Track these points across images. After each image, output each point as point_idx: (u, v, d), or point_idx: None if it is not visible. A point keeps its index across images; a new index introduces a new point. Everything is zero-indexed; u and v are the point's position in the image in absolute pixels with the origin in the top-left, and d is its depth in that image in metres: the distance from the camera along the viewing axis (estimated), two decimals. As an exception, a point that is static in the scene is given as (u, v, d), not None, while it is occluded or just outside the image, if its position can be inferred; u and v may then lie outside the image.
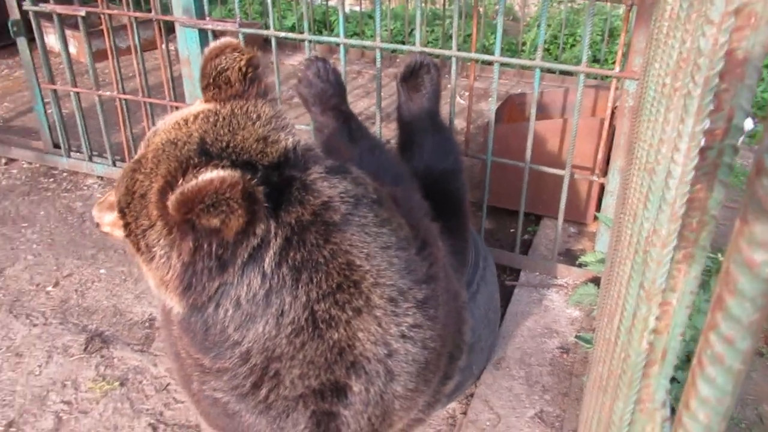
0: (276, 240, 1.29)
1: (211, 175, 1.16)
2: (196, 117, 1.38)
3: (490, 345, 2.46)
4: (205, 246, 1.25)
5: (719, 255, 2.48)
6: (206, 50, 1.47)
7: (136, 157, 1.39)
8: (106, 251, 3.09)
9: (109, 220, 1.49)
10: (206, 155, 1.29)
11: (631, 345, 0.81)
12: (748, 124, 2.69)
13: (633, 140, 2.04)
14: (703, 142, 0.58)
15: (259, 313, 1.33)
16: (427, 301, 1.49)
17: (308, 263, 1.31)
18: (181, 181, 1.20)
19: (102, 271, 2.96)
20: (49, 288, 2.84)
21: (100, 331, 2.60)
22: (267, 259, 1.29)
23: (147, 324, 2.65)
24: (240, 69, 1.43)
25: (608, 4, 5.53)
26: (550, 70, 5.14)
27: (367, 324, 1.38)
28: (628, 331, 0.90)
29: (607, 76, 2.69)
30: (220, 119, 1.36)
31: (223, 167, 1.22)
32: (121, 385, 2.35)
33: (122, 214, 1.35)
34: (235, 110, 1.39)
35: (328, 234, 1.33)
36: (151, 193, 1.28)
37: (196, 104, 1.48)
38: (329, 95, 2.22)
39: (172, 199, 1.18)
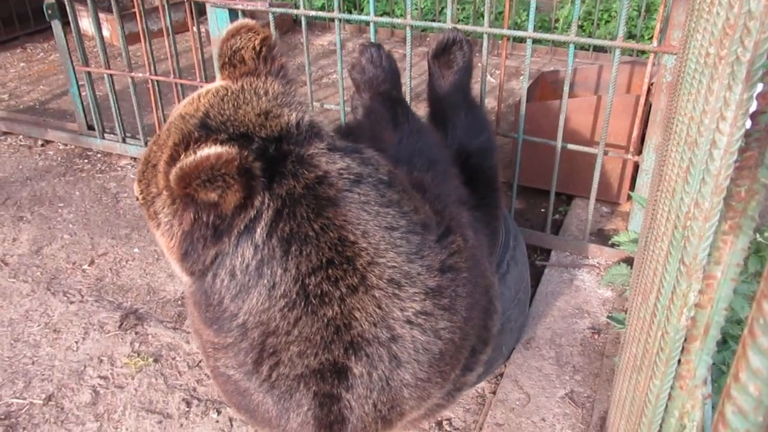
0: (267, 212, 1.31)
1: (208, 151, 1.19)
2: (207, 93, 1.43)
3: (520, 325, 2.45)
4: (204, 217, 1.29)
5: (759, 236, 2.41)
6: (223, 31, 1.50)
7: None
8: (140, 231, 3.13)
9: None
10: (206, 129, 1.33)
11: (669, 322, 0.79)
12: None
13: (671, 116, 1.98)
14: (755, 106, 0.56)
15: (252, 284, 1.34)
16: (441, 290, 1.46)
17: (297, 236, 1.32)
18: (183, 155, 1.24)
19: (135, 250, 3.01)
20: (85, 266, 2.90)
21: (135, 309, 2.65)
22: (258, 231, 1.32)
23: (179, 302, 2.69)
24: (254, 48, 1.45)
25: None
26: (584, 47, 5.04)
27: (365, 304, 1.37)
28: (667, 308, 0.88)
29: (644, 52, 2.61)
30: (228, 94, 1.40)
31: (221, 142, 1.27)
32: (155, 361, 2.39)
33: (139, 181, 1.43)
34: (245, 86, 1.42)
35: (320, 208, 1.33)
36: (160, 164, 1.32)
37: (215, 82, 1.50)
38: (380, 81, 2.23)
39: (172, 173, 1.22)
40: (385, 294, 1.39)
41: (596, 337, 2.49)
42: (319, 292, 1.35)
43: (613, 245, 2.82)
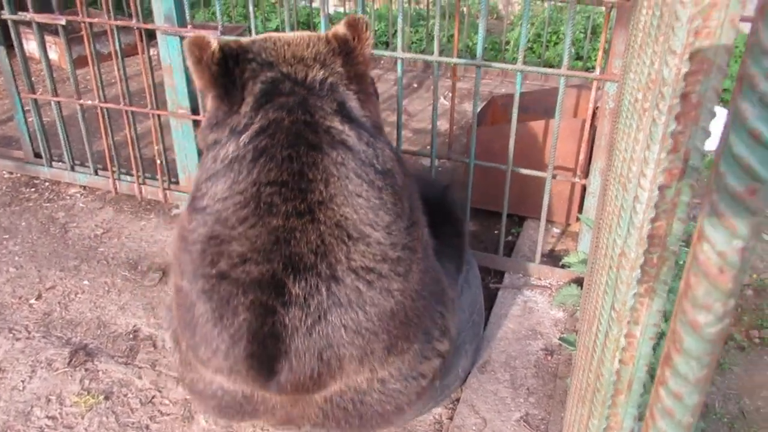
0: (255, 125, 1.64)
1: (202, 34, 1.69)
2: (302, 34, 1.80)
3: (475, 348, 2.47)
4: (214, 106, 1.74)
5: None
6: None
7: None
8: (89, 262, 3.06)
9: None
10: (248, 49, 1.73)
11: (604, 364, 0.81)
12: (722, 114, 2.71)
13: (612, 142, 2.05)
14: (661, 180, 0.59)
15: (222, 173, 1.62)
16: (400, 261, 1.66)
17: (268, 152, 1.60)
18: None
19: (85, 282, 2.94)
20: (32, 301, 2.82)
21: (84, 344, 2.58)
22: (244, 135, 1.63)
23: (131, 336, 2.63)
24: (355, 27, 1.76)
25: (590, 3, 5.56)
26: (536, 59, 5.17)
27: (307, 231, 1.57)
28: (603, 348, 0.91)
29: (592, 65, 2.70)
30: (297, 38, 1.76)
31: (247, 61, 1.70)
32: (106, 398, 2.33)
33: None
34: (308, 38, 1.76)
35: (295, 143, 1.61)
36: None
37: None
38: None
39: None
40: (331, 234, 1.57)
41: (549, 358, 2.53)
42: (269, 200, 1.57)
43: (563, 266, 2.89)
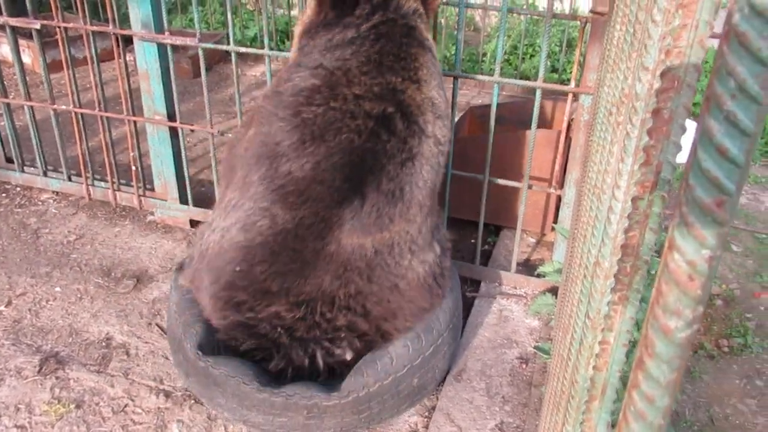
0: (373, 21, 2.07)
1: None
2: None
3: (453, 352, 2.49)
4: (323, 11, 2.19)
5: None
6: None
7: None
8: (62, 268, 3.02)
9: None
10: None
11: (578, 371, 0.83)
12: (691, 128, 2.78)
13: (587, 154, 2.09)
14: (635, 192, 0.61)
15: (340, 47, 2.05)
16: (445, 150, 2.19)
17: (387, 36, 2.05)
18: None
19: (57, 289, 2.90)
20: (1, 308, 2.77)
21: (55, 352, 2.54)
22: (364, 26, 2.06)
23: (104, 343, 2.60)
24: None
25: (568, 11, 5.66)
26: (512, 71, 5.23)
27: (414, 94, 2.02)
28: (577, 355, 0.92)
29: (567, 78, 2.75)
30: None
31: None
32: (77, 407, 2.30)
33: None
34: None
35: (409, 37, 2.12)
36: None
37: None
38: None
39: None
40: (426, 101, 2.06)
41: (524, 366, 2.56)
42: (389, 65, 2.02)
43: (539, 275, 2.92)
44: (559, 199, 3.04)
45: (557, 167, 2.87)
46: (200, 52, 2.96)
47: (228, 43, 2.91)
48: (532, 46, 5.93)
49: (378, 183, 1.92)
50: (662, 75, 0.53)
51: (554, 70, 5.53)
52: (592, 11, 2.39)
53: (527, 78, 5.59)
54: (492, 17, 6.58)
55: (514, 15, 6.23)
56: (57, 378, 2.42)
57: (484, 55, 5.87)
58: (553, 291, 2.86)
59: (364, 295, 2.00)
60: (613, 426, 0.74)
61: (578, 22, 2.52)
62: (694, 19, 0.51)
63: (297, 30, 2.34)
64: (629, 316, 0.63)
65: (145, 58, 3.03)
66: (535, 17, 6.21)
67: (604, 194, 0.88)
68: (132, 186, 3.40)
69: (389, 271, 2.02)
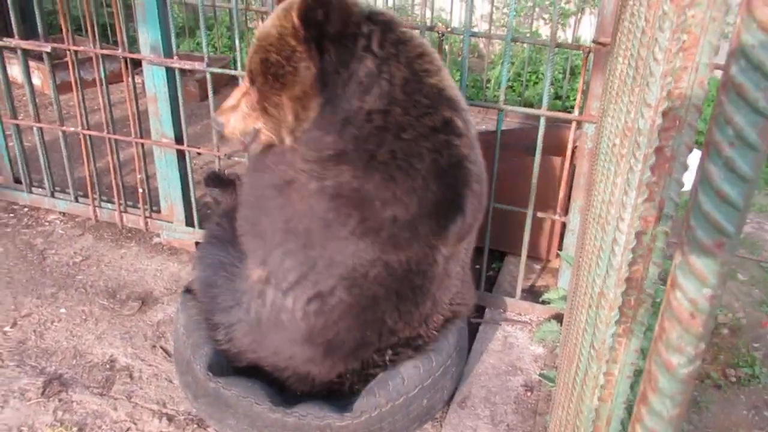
0: (378, 30, 1.87)
1: None
2: None
3: (459, 374, 2.48)
4: (330, 52, 1.84)
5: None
6: None
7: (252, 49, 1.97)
8: (67, 290, 3.03)
9: (234, 116, 2.06)
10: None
11: (583, 401, 0.83)
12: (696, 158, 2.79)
13: (591, 182, 2.10)
14: (638, 226, 0.62)
15: (375, 81, 1.86)
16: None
17: (402, 39, 1.92)
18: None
19: (62, 310, 2.90)
20: (6, 328, 2.77)
21: (59, 374, 2.54)
22: (374, 43, 1.87)
23: (108, 366, 2.59)
24: None
25: (570, 40, 5.72)
26: (516, 98, 5.28)
27: (449, 81, 2.02)
28: (582, 385, 0.93)
29: (571, 106, 2.77)
30: None
31: None
32: (80, 430, 2.29)
33: (263, 62, 1.90)
34: None
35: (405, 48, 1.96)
36: (287, 24, 1.85)
37: None
38: None
39: (295, 7, 1.80)
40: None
41: (529, 394, 2.54)
42: (422, 68, 1.93)
43: (543, 302, 2.91)
44: (563, 225, 3.05)
45: (562, 194, 2.88)
46: (208, 76, 3.00)
47: (235, 68, 2.95)
48: (535, 74, 5.99)
49: (472, 190, 2.00)
50: (664, 114, 0.55)
51: (558, 97, 5.57)
52: (594, 41, 2.42)
53: (531, 105, 5.64)
54: (495, 44, 6.65)
55: (518, 43, 6.31)
56: (60, 400, 2.42)
57: (488, 81, 5.93)
58: (558, 318, 2.85)
59: (456, 293, 2.30)
60: (617, 457, 0.74)
61: (581, 51, 2.55)
62: (694, 62, 0.52)
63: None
64: (633, 348, 0.63)
65: (153, 81, 3.07)
66: (539, 45, 6.29)
67: (609, 225, 0.89)
68: (138, 208, 3.42)
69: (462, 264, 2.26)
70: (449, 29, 2.78)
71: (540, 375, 2.54)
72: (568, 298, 2.53)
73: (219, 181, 2.67)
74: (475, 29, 6.36)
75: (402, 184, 1.86)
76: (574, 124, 2.68)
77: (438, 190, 1.90)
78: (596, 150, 2.21)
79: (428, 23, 2.85)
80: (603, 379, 0.77)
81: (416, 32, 2.14)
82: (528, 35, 5.94)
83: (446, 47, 5.74)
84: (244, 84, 2.06)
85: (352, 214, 1.89)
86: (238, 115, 2.04)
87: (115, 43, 4.97)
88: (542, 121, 2.63)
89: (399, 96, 1.89)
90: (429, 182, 1.88)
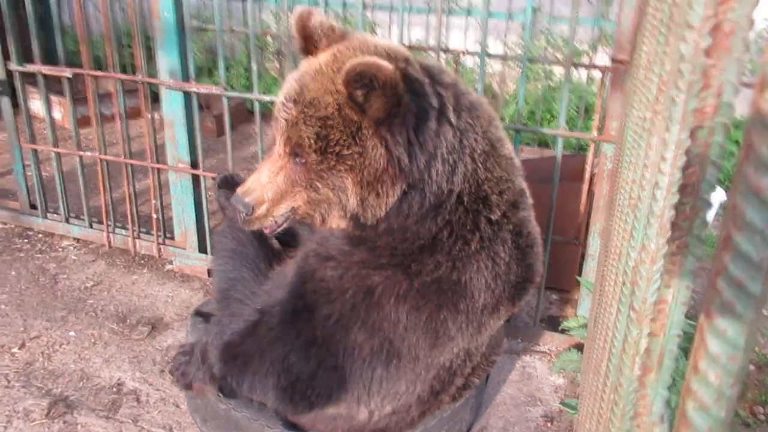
0: (449, 97, 1.64)
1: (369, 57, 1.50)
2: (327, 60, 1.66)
3: (478, 403, 2.38)
4: (399, 128, 1.56)
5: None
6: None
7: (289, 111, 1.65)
8: (77, 313, 2.98)
9: (266, 193, 1.72)
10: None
11: (622, 374, 0.77)
12: (720, 196, 2.72)
13: (613, 197, 2.06)
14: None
15: (459, 158, 1.65)
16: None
17: (473, 104, 1.71)
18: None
19: (71, 333, 2.85)
20: (15, 350, 2.72)
21: (65, 396, 2.47)
22: (450, 113, 1.62)
23: (114, 389, 2.52)
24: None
25: (584, 80, 5.74)
26: (528, 143, 5.27)
27: (510, 147, 1.84)
28: (618, 366, 0.86)
29: (585, 143, 2.75)
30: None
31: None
32: (83, 452, 2.21)
33: (320, 138, 1.59)
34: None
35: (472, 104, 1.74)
36: (344, 91, 1.54)
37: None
38: None
39: (339, 78, 1.51)
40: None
41: (549, 425, 2.43)
42: (495, 137, 1.76)
43: (563, 331, 2.82)
44: (582, 255, 2.98)
45: (580, 219, 2.83)
46: (225, 101, 3.02)
47: (251, 104, 2.96)
48: (549, 112, 6.01)
49: (542, 262, 1.99)
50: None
51: (573, 134, 5.56)
52: (613, 59, 2.41)
53: (545, 143, 5.64)
54: (509, 84, 6.71)
55: (531, 81, 6.35)
56: (65, 422, 2.34)
57: (502, 119, 5.94)
58: (579, 347, 2.75)
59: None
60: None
61: (595, 88, 2.54)
62: (716, 107, 0.50)
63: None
64: (689, 267, 0.57)
65: (171, 106, 3.09)
66: (552, 84, 6.33)
67: (644, 191, 0.85)
68: (152, 234, 3.40)
69: None
70: (465, 52, 2.79)
71: (562, 404, 2.44)
72: (589, 323, 2.45)
73: (233, 185, 2.50)
74: (489, 69, 6.43)
75: (491, 271, 1.72)
76: (592, 148, 2.65)
77: (518, 271, 1.78)
78: (617, 167, 2.17)
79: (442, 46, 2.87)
80: (645, 341, 0.71)
81: (476, 93, 1.86)
82: (542, 74, 5.99)
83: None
84: (276, 156, 1.72)
85: (457, 307, 1.73)
86: (272, 193, 1.71)
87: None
88: (559, 142, 2.60)
89: (482, 173, 1.70)
90: (511, 266, 1.76)
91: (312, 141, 1.59)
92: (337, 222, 1.74)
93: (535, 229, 1.87)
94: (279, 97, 1.71)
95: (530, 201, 1.90)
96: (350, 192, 1.63)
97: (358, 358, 1.79)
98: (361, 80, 1.47)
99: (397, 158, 1.57)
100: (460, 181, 1.66)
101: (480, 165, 1.70)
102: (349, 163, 1.59)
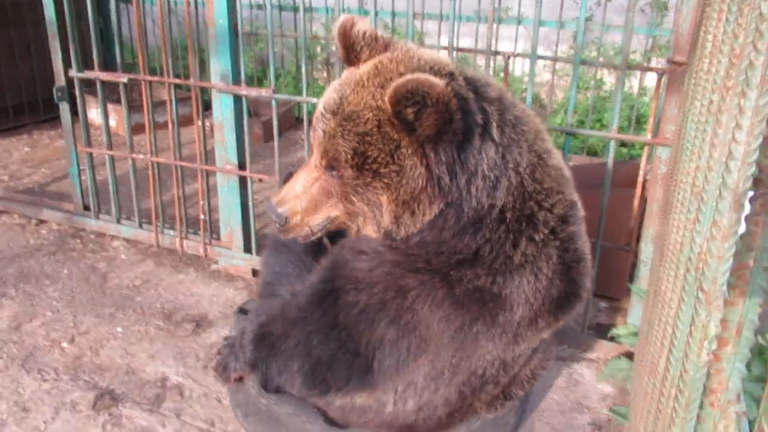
0: (493, 112, 1.60)
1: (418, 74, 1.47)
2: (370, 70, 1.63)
3: (522, 410, 2.32)
4: (441, 148, 1.52)
5: (761, 338, 2.33)
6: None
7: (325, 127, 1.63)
8: (125, 310, 3.04)
9: (301, 203, 1.71)
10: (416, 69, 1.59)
11: (689, 359, 0.73)
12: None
13: (668, 202, 1.98)
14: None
15: (501, 173, 1.61)
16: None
17: (518, 119, 1.67)
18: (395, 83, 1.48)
19: (119, 329, 2.90)
20: (65, 344, 2.78)
21: (111, 389, 2.51)
22: (493, 130, 1.59)
23: (159, 384, 2.55)
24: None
25: (635, 90, 5.62)
26: (576, 152, 5.18)
27: (559, 158, 1.80)
28: (682, 356, 0.82)
29: (639, 147, 2.67)
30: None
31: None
32: (128, 444, 2.23)
33: (357, 154, 1.56)
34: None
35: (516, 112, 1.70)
36: (385, 108, 1.52)
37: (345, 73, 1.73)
38: None
39: (387, 95, 1.48)
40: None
41: (598, 434, 2.35)
42: (542, 149, 1.72)
43: (612, 339, 2.74)
44: (633, 265, 2.89)
45: (633, 225, 2.75)
46: (273, 104, 3.05)
47: (299, 111, 2.99)
48: (599, 121, 5.89)
49: (589, 277, 1.90)
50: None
51: (623, 144, 5.44)
52: (669, 61, 2.34)
53: (595, 153, 5.52)
54: (558, 94, 6.62)
55: (581, 91, 6.25)
56: (110, 414, 2.38)
57: (551, 130, 5.85)
58: (629, 356, 2.66)
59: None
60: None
61: (647, 98, 2.47)
62: None
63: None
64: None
65: (221, 109, 3.14)
66: (602, 94, 6.22)
67: (712, 171, 0.80)
68: (199, 235, 3.45)
69: None
70: (515, 53, 2.75)
71: (611, 411, 2.35)
72: (641, 331, 2.37)
73: None
74: (537, 79, 6.36)
75: (532, 286, 1.68)
76: (645, 152, 2.58)
77: (561, 286, 1.73)
78: (673, 171, 2.10)
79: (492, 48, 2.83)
80: (714, 328, 0.67)
81: (522, 104, 1.82)
82: (592, 83, 5.89)
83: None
84: (312, 167, 1.71)
85: (494, 319, 1.70)
86: (306, 203, 1.71)
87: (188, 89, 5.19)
88: (611, 145, 2.54)
89: (529, 185, 1.66)
90: (554, 281, 1.71)
91: (349, 156, 1.58)
92: (370, 233, 1.74)
93: (584, 244, 1.81)
94: (319, 107, 1.69)
95: (582, 213, 1.84)
96: (385, 209, 1.62)
97: (381, 350, 1.78)
98: (413, 98, 1.45)
99: (438, 177, 1.55)
100: (503, 195, 1.63)
101: (527, 177, 1.66)
102: (386, 181, 1.57)
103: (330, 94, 1.66)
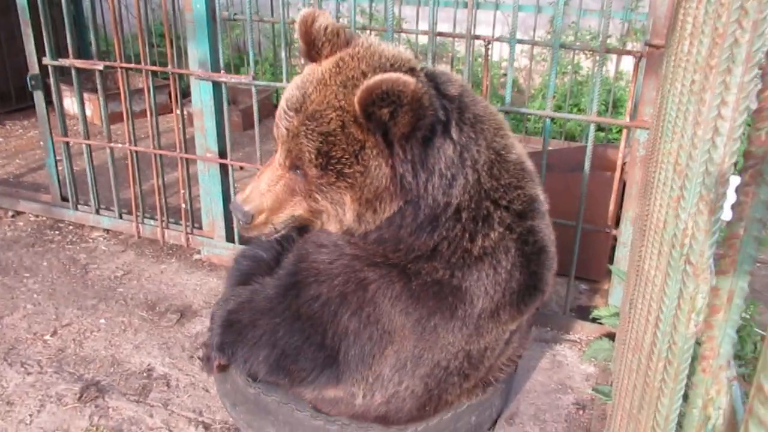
0: (453, 110, 1.62)
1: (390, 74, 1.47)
2: (330, 68, 1.63)
3: (507, 391, 2.36)
4: (405, 148, 1.55)
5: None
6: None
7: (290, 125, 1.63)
8: (107, 301, 3.01)
9: (266, 201, 1.72)
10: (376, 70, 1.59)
11: (677, 331, 0.75)
12: (735, 182, 2.67)
13: (648, 183, 2.02)
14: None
15: (458, 171, 1.63)
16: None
17: (477, 117, 1.69)
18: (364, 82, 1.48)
19: (102, 321, 2.88)
20: (47, 337, 2.76)
21: (96, 381, 2.50)
22: (452, 128, 1.61)
23: (145, 374, 2.54)
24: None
25: (612, 75, 5.67)
26: (554, 137, 5.22)
27: (520, 147, 1.83)
28: (670, 329, 0.84)
29: (617, 131, 2.70)
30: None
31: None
32: (115, 434, 2.23)
33: (321, 154, 1.58)
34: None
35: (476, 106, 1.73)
36: (349, 108, 1.53)
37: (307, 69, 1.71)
38: None
39: (357, 97, 1.48)
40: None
41: (581, 413, 2.40)
42: (502, 146, 1.74)
43: (594, 320, 2.79)
44: (613, 247, 2.94)
45: (612, 207, 2.79)
46: (253, 90, 3.03)
47: (277, 98, 2.97)
48: (576, 106, 5.94)
49: (551, 270, 1.91)
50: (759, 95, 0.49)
51: (600, 129, 5.49)
52: (647, 44, 2.37)
53: (573, 137, 5.57)
54: (536, 79, 6.66)
55: (558, 76, 6.29)
56: (96, 406, 2.37)
57: (529, 117, 5.89)
58: (610, 336, 2.71)
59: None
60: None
61: (623, 83, 2.50)
62: None
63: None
64: (763, 198, 0.55)
65: (200, 96, 3.11)
66: (579, 78, 6.26)
67: (696, 149, 0.82)
68: (180, 224, 3.42)
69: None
70: (494, 38, 2.77)
71: (594, 390, 2.40)
72: (622, 311, 2.41)
73: None
74: (516, 64, 6.38)
75: (491, 279, 1.71)
76: (624, 136, 2.61)
77: (521, 278, 1.75)
78: (651, 153, 2.13)
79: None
80: (702, 300, 0.69)
81: (484, 100, 1.84)
82: (569, 68, 5.93)
83: (486, 82, 5.75)
84: (277, 165, 1.71)
85: (453, 312, 1.73)
86: (271, 202, 1.72)
87: (164, 78, 5.12)
88: (591, 129, 2.57)
89: (486, 182, 1.69)
90: (514, 273, 1.73)
91: (313, 156, 1.59)
92: (332, 229, 1.77)
93: (545, 237, 1.82)
94: (281, 103, 1.69)
95: (544, 207, 1.86)
96: (348, 208, 1.65)
97: (346, 342, 1.81)
98: (389, 98, 1.45)
99: (401, 176, 1.58)
100: (459, 193, 1.65)
101: (484, 174, 1.69)
102: (350, 181, 1.59)
103: (292, 91, 1.66)
